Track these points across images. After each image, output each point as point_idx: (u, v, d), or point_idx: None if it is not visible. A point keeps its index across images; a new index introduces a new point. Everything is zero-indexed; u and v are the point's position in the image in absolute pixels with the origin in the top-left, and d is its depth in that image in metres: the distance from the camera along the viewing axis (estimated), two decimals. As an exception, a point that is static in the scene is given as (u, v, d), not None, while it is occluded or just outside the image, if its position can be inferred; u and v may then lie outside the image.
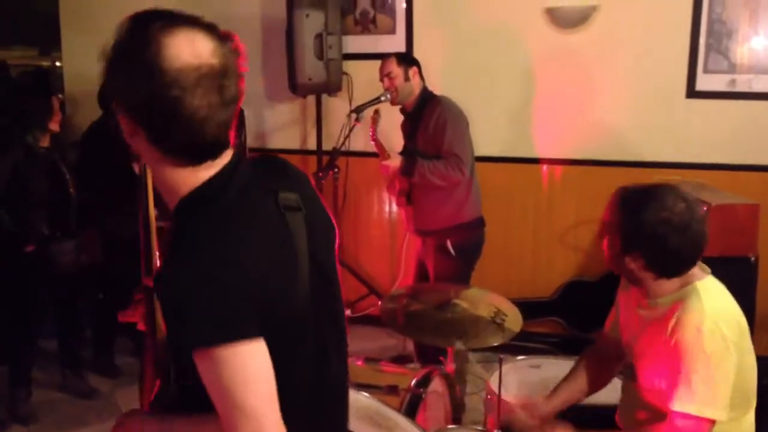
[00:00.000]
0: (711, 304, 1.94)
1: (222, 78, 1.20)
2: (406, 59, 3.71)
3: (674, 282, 2.02)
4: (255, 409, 1.17)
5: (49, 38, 5.72)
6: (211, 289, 1.15)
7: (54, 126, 3.70)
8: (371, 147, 3.83)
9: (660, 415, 1.98)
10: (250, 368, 1.17)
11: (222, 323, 1.15)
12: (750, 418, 2.08)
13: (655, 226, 1.95)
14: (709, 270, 2.08)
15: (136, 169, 4.15)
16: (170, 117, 1.17)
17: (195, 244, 1.19)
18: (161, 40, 1.17)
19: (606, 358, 2.37)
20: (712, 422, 1.90)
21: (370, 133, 3.71)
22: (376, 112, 3.71)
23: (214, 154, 1.26)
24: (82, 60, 5.19)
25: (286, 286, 1.26)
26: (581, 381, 2.38)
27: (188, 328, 1.16)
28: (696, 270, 2.04)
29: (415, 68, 3.66)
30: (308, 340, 1.32)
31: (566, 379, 2.40)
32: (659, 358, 2.01)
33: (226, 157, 1.29)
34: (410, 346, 4.13)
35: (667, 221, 1.95)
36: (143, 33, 1.18)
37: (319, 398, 1.37)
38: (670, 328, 1.96)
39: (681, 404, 1.91)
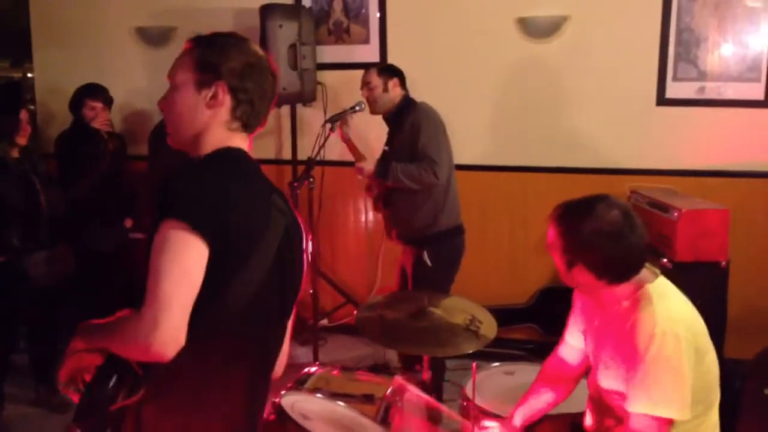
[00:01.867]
0: (663, 307, 1.98)
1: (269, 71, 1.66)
2: (388, 70, 3.73)
3: (627, 286, 2.05)
4: (167, 293, 1.36)
5: (21, 50, 5.67)
6: (199, 190, 1.45)
7: (21, 140, 3.69)
8: (347, 156, 3.85)
9: (622, 418, 2.01)
10: (184, 257, 1.39)
11: (192, 210, 1.41)
12: (715, 411, 2.12)
13: (588, 236, 2.00)
14: (659, 272, 2.12)
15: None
16: (247, 79, 1.59)
17: (207, 166, 1.55)
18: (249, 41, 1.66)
19: (566, 368, 2.39)
20: (669, 421, 1.93)
21: (339, 135, 3.76)
22: (345, 114, 3.76)
23: (253, 127, 1.65)
24: (53, 71, 5.15)
25: (248, 253, 1.49)
26: (542, 395, 2.40)
27: (165, 204, 1.43)
28: (646, 273, 2.08)
29: (396, 79, 3.68)
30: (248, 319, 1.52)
31: (528, 394, 2.42)
32: (617, 361, 2.03)
33: (247, 144, 1.65)
34: (389, 354, 4.14)
35: (599, 231, 1.99)
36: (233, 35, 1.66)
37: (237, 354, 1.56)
38: (626, 333, 1.99)
39: (639, 406, 1.94)
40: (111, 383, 1.48)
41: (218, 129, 1.60)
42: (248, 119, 1.63)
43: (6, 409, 3.77)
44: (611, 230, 1.99)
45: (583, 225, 2.01)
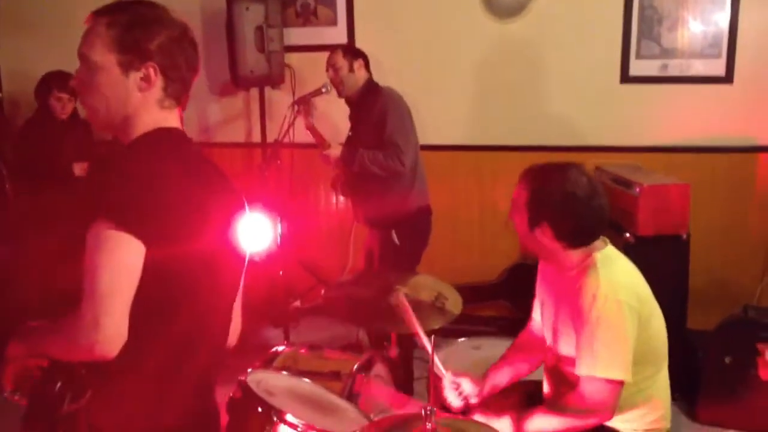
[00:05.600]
0: (606, 273, 2.05)
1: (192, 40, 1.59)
2: (352, 52, 3.75)
3: (579, 254, 2.12)
4: (103, 293, 1.34)
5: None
6: (131, 186, 1.39)
7: None
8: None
9: (575, 385, 2.07)
10: (119, 255, 1.35)
11: (124, 209, 1.36)
12: (664, 375, 2.20)
13: (560, 197, 2.06)
14: (607, 240, 2.18)
15: (76, 170, 4.13)
16: (176, 54, 1.53)
17: (140, 155, 1.49)
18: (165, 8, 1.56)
19: (534, 344, 2.45)
20: (620, 383, 1.99)
21: (304, 124, 3.76)
22: (306, 102, 3.75)
23: (183, 100, 1.59)
24: (19, 59, 5.10)
25: (188, 240, 1.45)
26: (510, 367, 2.47)
27: (97, 202, 1.39)
28: (597, 242, 2.15)
29: (360, 60, 3.71)
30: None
31: (496, 365, 2.48)
32: (568, 327, 2.10)
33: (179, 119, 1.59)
34: (361, 334, 4.17)
35: (571, 194, 2.06)
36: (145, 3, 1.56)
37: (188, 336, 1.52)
38: (573, 298, 2.06)
39: (586, 368, 2.00)
40: (56, 388, 1.46)
41: (151, 109, 1.53)
42: (180, 95, 1.57)
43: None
44: (582, 194, 2.07)
45: (556, 185, 2.07)
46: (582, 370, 2.01)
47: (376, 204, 3.67)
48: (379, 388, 2.66)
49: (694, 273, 3.60)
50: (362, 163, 3.52)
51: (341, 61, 3.67)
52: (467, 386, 2.42)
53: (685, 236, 3.51)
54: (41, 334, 1.51)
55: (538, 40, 4.34)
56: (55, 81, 4.19)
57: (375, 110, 3.58)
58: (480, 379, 2.46)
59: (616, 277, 2.06)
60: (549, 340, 2.27)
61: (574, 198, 2.06)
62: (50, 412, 1.48)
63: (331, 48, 3.86)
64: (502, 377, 2.46)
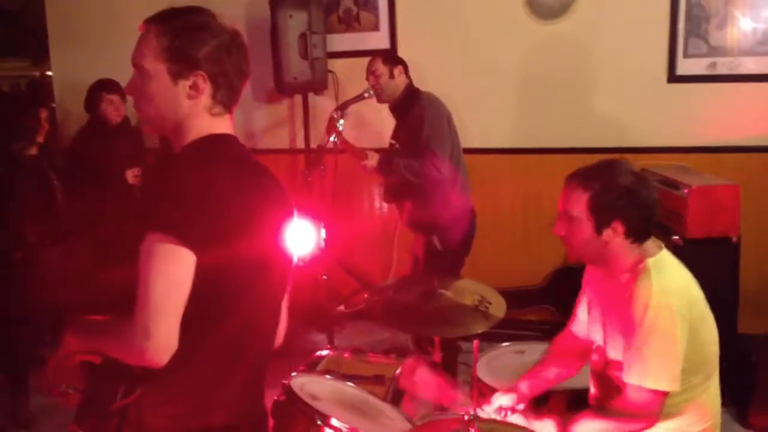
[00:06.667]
0: (659, 280, 2.00)
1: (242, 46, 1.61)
2: (392, 58, 3.78)
3: (636, 254, 2.07)
4: (155, 304, 1.37)
5: (39, 48, 5.77)
6: (183, 197, 1.42)
7: (40, 138, 3.77)
8: (360, 144, 3.88)
9: (621, 390, 2.04)
10: (171, 268, 1.38)
11: (176, 221, 1.39)
12: (714, 383, 2.14)
13: (625, 190, 2.01)
14: (662, 244, 2.13)
15: (129, 178, 4.24)
16: (224, 61, 1.55)
17: (192, 163, 1.51)
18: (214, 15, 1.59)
19: (577, 343, 2.41)
20: (665, 394, 1.96)
21: (334, 141, 3.73)
22: (332, 119, 3.73)
23: (232, 106, 1.61)
24: (70, 69, 5.24)
25: (239, 249, 1.47)
26: (552, 368, 2.41)
27: (150, 213, 1.42)
28: (650, 245, 2.10)
29: (400, 67, 3.72)
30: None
31: (532, 371, 2.43)
32: (618, 333, 2.06)
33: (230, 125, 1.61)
34: (407, 338, 4.18)
35: (634, 183, 2.02)
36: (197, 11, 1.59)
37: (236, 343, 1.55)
38: (624, 305, 2.02)
39: (636, 377, 1.97)
40: (109, 383, 1.50)
41: (200, 116, 1.55)
42: (229, 101, 1.59)
43: (33, 401, 3.85)
44: (640, 184, 2.03)
45: (616, 181, 2.02)
46: (631, 378, 1.98)
47: (416, 209, 3.68)
48: (423, 392, 2.66)
49: (744, 276, 3.52)
50: (399, 172, 3.54)
51: (381, 68, 3.69)
52: (504, 400, 2.37)
53: (735, 238, 3.43)
54: (97, 333, 1.55)
55: (582, 41, 4.29)
56: (103, 85, 4.30)
57: (413, 116, 3.58)
58: (513, 386, 2.40)
59: (669, 284, 2.01)
60: (599, 342, 2.23)
61: (638, 187, 2.02)
62: (102, 407, 1.52)
63: (374, 53, 3.89)
64: (539, 383, 2.41)
